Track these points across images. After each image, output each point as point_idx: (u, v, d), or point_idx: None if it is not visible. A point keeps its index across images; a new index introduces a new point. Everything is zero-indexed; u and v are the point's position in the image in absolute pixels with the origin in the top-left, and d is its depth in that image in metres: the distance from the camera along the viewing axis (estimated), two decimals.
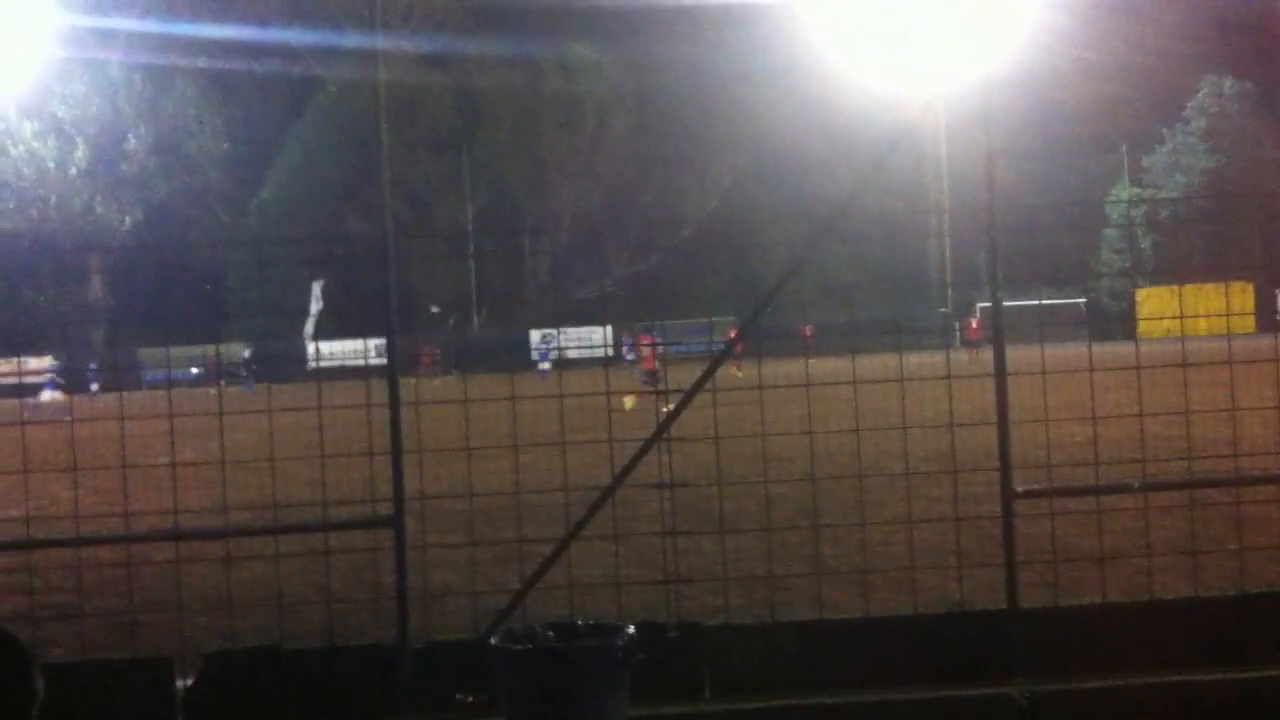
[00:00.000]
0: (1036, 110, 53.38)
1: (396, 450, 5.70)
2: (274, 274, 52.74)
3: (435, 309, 57.63)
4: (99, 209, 60.96)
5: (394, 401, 5.70)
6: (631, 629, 4.84)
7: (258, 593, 7.20)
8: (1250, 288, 49.29)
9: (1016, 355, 5.94)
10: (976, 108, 6.10)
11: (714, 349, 7.18)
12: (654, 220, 63.85)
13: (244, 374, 47.72)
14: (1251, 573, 6.25)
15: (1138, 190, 62.46)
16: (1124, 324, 47.44)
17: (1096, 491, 6.13)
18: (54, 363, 36.50)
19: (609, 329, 60.12)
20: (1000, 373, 5.74)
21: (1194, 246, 56.47)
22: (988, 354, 5.93)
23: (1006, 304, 6.00)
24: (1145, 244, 61.27)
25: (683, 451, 6.32)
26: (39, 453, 6.55)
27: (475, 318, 64.44)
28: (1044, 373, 6.02)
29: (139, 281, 56.97)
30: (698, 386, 5.94)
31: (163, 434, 5.97)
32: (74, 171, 60.52)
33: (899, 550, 7.01)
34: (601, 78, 65.98)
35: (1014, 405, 5.77)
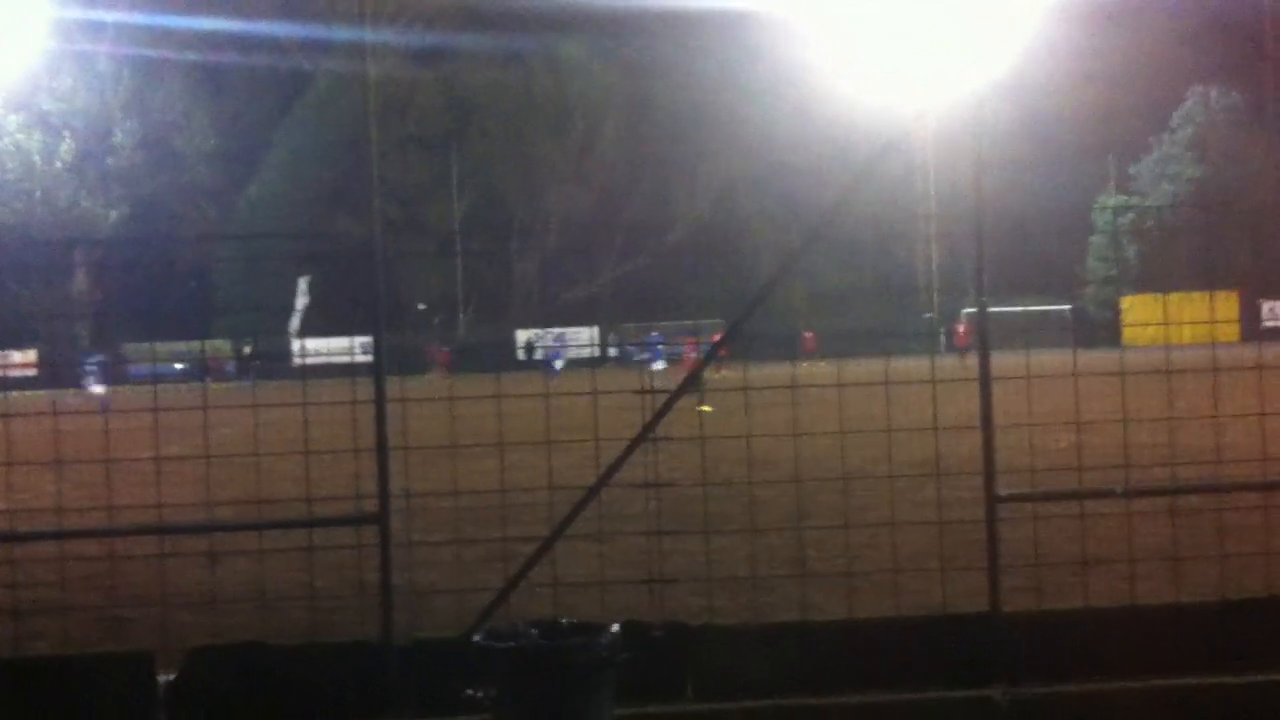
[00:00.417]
0: (1025, 119, 53.59)
1: (382, 447, 5.70)
2: (261, 269, 52.72)
3: (421, 306, 57.59)
4: (85, 203, 60.76)
5: (379, 398, 5.69)
6: (616, 627, 4.85)
7: (242, 589, 7.18)
8: (1235, 297, 49.59)
9: (1004, 362, 5.97)
10: (966, 116, 6.12)
11: (700, 352, 7.20)
12: (643, 223, 63.92)
13: (246, 368, 47.85)
14: (1234, 579, 6.29)
15: (1124, 199, 62.71)
16: (1109, 331, 47.65)
17: (1079, 496, 6.16)
18: (92, 354, 36.73)
19: (595, 330, 60.18)
20: (985, 377, 5.76)
21: (1180, 255, 56.73)
22: (975, 360, 5.96)
23: (993, 310, 6.02)
24: (1131, 253, 61.52)
25: (669, 452, 6.33)
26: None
27: (461, 316, 64.33)
28: (1029, 378, 6.05)
29: (125, 276, 56.77)
30: (682, 389, 5.96)
31: (147, 429, 5.96)
32: (60, 165, 60.29)
33: (883, 553, 7.03)
34: (593, 80, 66.03)
35: (999, 411, 5.80)
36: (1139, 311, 50.02)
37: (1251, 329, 46.68)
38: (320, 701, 5.71)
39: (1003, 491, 5.77)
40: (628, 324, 60.03)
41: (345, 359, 8.81)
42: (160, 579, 6.24)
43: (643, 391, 6.01)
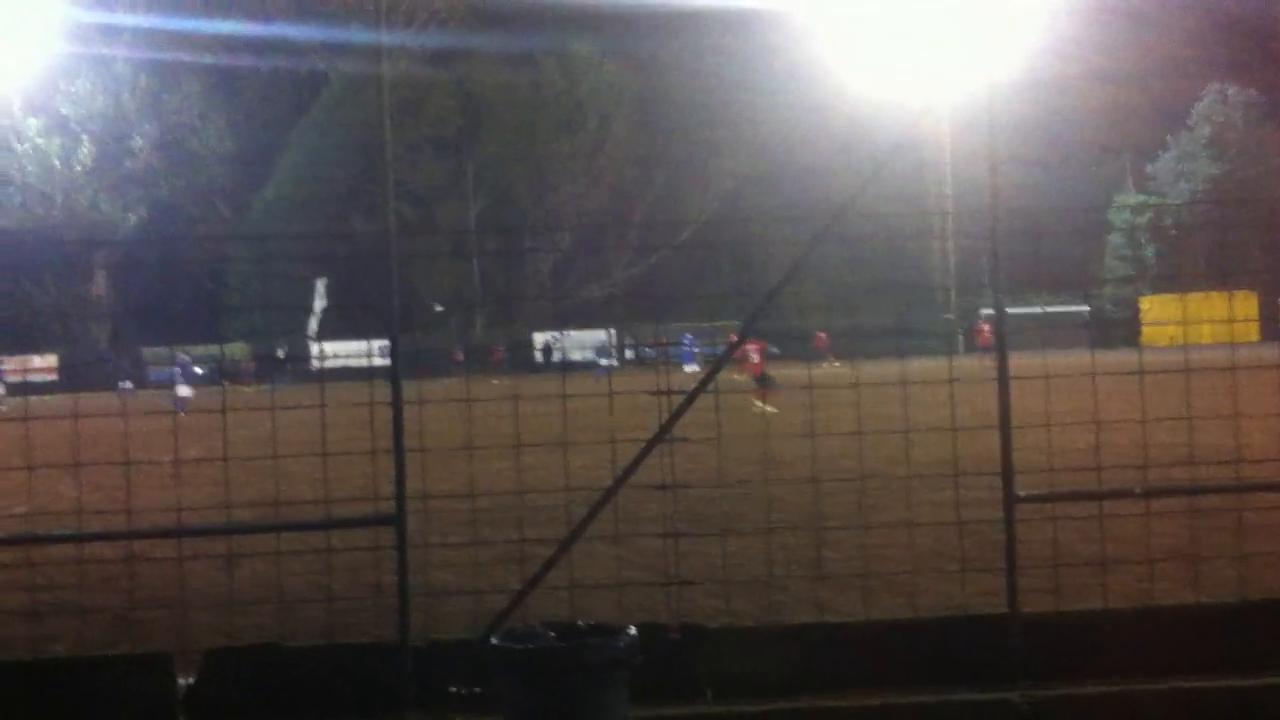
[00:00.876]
0: (1042, 117, 53.40)
1: (399, 448, 5.71)
2: (277, 271, 52.92)
3: (438, 308, 57.71)
4: (103, 206, 61.03)
5: (396, 399, 5.70)
6: (633, 629, 4.84)
7: (259, 590, 7.21)
8: (1254, 297, 49.26)
9: (1024, 363, 5.94)
10: (981, 114, 6.10)
11: (717, 352, 7.19)
12: (656, 221, 63.87)
13: (264, 371, 48.23)
14: (1252, 580, 6.25)
15: (1142, 197, 62.41)
16: (1128, 331, 47.41)
17: (1098, 497, 6.13)
18: (183, 356, 37.18)
19: (613, 332, 60.17)
20: (1003, 377, 5.74)
21: (1198, 254, 56.41)
22: (994, 360, 5.93)
23: (1012, 311, 6.00)
24: (1149, 252, 61.23)
25: (686, 453, 6.32)
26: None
27: (478, 319, 64.44)
28: (1047, 377, 6.02)
29: (143, 279, 57.04)
30: (699, 389, 5.95)
31: (166, 432, 5.98)
32: (79, 168, 60.60)
33: (899, 554, 7.01)
34: (604, 79, 66.04)
35: (1018, 411, 5.77)
36: (1158, 312, 49.79)
37: (1271, 328, 46.36)
38: (337, 702, 5.72)
39: (1021, 492, 5.75)
40: (647, 324, 60.11)
41: (363, 363, 8.83)
42: (178, 581, 6.26)
43: (659, 393, 6.00)
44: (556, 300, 63.22)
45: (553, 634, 4.93)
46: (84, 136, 60.65)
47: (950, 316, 48.58)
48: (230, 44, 60.65)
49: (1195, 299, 12.94)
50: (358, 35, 58.00)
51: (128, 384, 38.97)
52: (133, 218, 61.62)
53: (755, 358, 25.78)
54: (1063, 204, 50.61)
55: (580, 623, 5.02)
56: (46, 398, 28.35)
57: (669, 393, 5.94)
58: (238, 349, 54.67)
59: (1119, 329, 51.13)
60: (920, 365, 7.30)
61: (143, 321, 55.78)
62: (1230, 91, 63.92)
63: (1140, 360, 6.11)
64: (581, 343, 56.45)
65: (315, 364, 47.51)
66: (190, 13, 58.56)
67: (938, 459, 6.59)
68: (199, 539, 7.12)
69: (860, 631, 5.87)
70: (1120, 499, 6.04)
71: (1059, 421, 6.59)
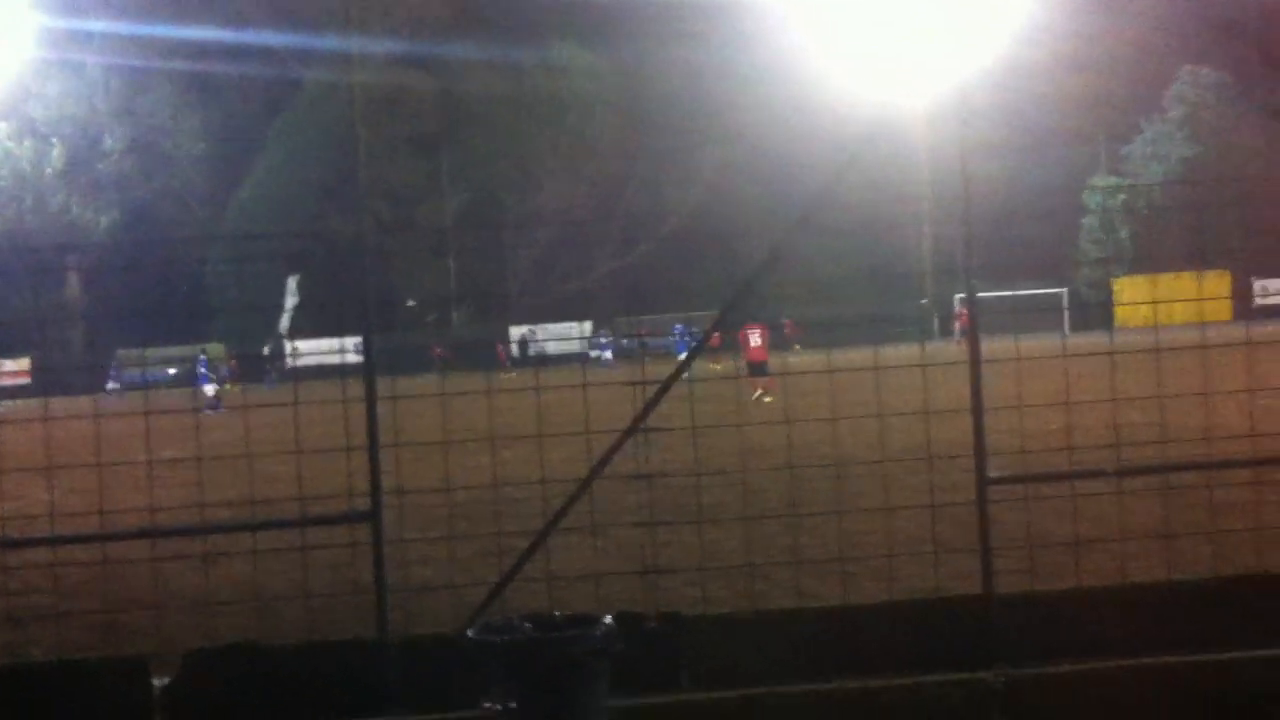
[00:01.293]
0: (1015, 103, 53.57)
1: (373, 444, 5.70)
2: (252, 271, 52.65)
3: (411, 303, 57.57)
4: (76, 209, 60.62)
5: (370, 395, 5.69)
6: (610, 619, 4.85)
7: (237, 590, 7.18)
8: (1228, 276, 49.62)
9: (1000, 346, 5.97)
10: (954, 101, 6.12)
11: (692, 343, 7.19)
12: (636, 215, 63.87)
13: (238, 372, 48.13)
14: (1225, 556, 6.31)
15: (1116, 180, 62.68)
16: (1103, 313, 47.67)
17: (1070, 477, 6.17)
18: (202, 356, 37.16)
19: (588, 324, 60.13)
20: (974, 360, 5.77)
21: (1172, 235, 56.76)
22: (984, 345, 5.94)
23: (986, 295, 6.03)
24: (1124, 234, 61.54)
25: (662, 444, 6.33)
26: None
27: (454, 315, 64.29)
28: (1018, 360, 6.06)
29: (116, 281, 56.65)
30: (673, 378, 5.96)
31: (140, 434, 5.95)
32: (50, 172, 60.15)
33: (877, 539, 7.04)
34: (583, 74, 65.90)
35: (992, 394, 5.80)
36: (1131, 293, 50.08)
37: (1244, 307, 46.72)
38: (317, 701, 5.70)
39: (994, 474, 5.78)
40: (626, 317, 60.06)
41: (336, 360, 8.80)
42: (154, 583, 6.24)
43: (633, 383, 6.00)
44: (539, 296, 63.15)
45: (530, 626, 4.93)
46: (55, 140, 60.19)
47: (925, 302, 48.75)
48: (202, 45, 60.27)
49: (1168, 280, 13.05)
50: (331, 36, 57.72)
51: (114, 384, 38.79)
52: (105, 221, 61.22)
53: (756, 340, 24.44)
54: (1037, 189, 50.86)
55: (557, 614, 5.03)
56: (30, 401, 28.14)
57: (643, 383, 5.94)
58: (214, 349, 54.39)
59: (1094, 311, 51.39)
60: (897, 351, 7.33)
61: (116, 324, 55.39)
62: (1203, 74, 64.26)
63: (1111, 341, 6.15)
64: (561, 335, 56.42)
65: (289, 361, 47.41)
66: (161, 15, 58.13)
67: (915, 444, 6.62)
68: (176, 540, 7.09)
69: (838, 616, 5.89)
70: (1093, 478, 6.08)
71: (1033, 404, 6.60)
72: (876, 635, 5.76)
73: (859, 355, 6.82)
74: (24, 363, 53.77)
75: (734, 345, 22.72)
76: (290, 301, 53.89)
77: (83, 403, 6.49)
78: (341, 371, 6.40)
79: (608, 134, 66.26)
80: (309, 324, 52.13)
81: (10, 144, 59.39)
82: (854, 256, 53.59)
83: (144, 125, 63.06)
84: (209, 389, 30.93)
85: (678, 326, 47.18)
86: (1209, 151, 61.47)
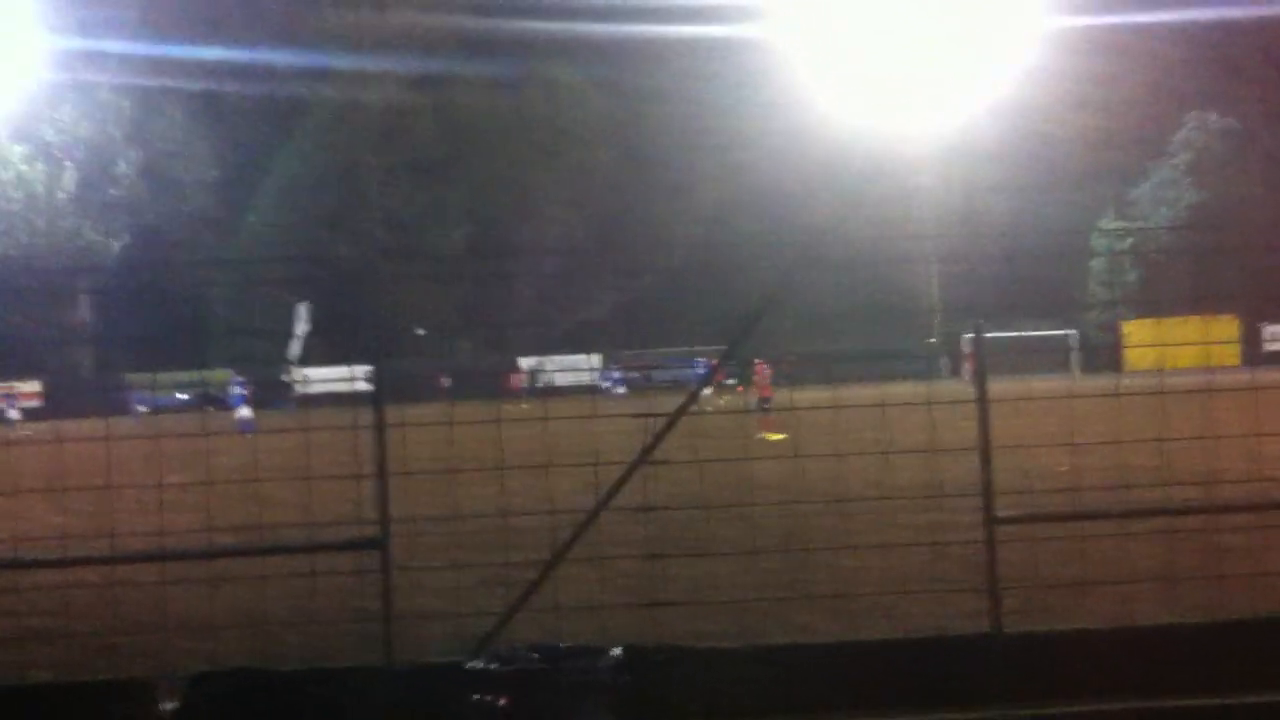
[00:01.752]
0: (1023, 144, 53.78)
1: (382, 472, 5.73)
2: (260, 297, 52.82)
3: (420, 331, 57.73)
4: (87, 233, 60.89)
5: (379, 423, 5.73)
6: (618, 651, 4.87)
7: (243, 615, 7.20)
8: (1236, 321, 49.59)
9: (1008, 387, 5.99)
10: (963, 141, 6.19)
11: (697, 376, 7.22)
12: (640, 247, 64.03)
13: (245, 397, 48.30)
14: (1228, 600, 6.31)
15: (1123, 224, 62.78)
16: (1111, 355, 47.64)
17: (1076, 517, 6.18)
18: (238, 378, 37.46)
19: (597, 357, 60.21)
20: (982, 399, 5.80)
21: (1180, 279, 56.78)
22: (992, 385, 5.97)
23: (995, 335, 6.06)
24: (1132, 277, 61.57)
25: (667, 477, 6.36)
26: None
27: (461, 344, 64.40)
28: (1027, 399, 6.08)
29: (127, 306, 56.84)
30: (679, 413, 5.99)
31: (150, 457, 5.99)
32: (62, 195, 60.47)
33: (879, 576, 7.05)
34: (588, 105, 66.27)
35: (1000, 434, 5.83)
36: (1140, 336, 50.06)
37: (1253, 353, 46.70)
38: None
39: (1001, 513, 5.80)
40: (633, 350, 60.18)
41: (345, 387, 8.84)
42: (160, 606, 6.25)
43: (642, 415, 6.03)
44: (546, 327, 63.28)
45: (536, 656, 4.95)
46: (68, 163, 60.57)
47: (933, 340, 48.74)
48: (214, 70, 60.74)
49: (1176, 324, 13.08)
50: (341, 62, 58.26)
51: (141, 407, 38.95)
52: (116, 244, 61.49)
53: (764, 378, 24.52)
54: (1045, 229, 50.89)
55: (563, 645, 5.05)
56: (40, 425, 28.20)
57: (651, 415, 5.98)
58: (222, 375, 54.51)
59: (1103, 353, 51.37)
60: (902, 389, 7.36)
61: (126, 347, 55.55)
62: (1210, 119, 64.46)
63: (1118, 384, 6.18)
64: (570, 366, 56.51)
65: (298, 389, 47.48)
66: (174, 40, 58.61)
67: (920, 482, 6.64)
68: (183, 564, 7.11)
69: (842, 652, 5.89)
70: (1098, 519, 6.09)
71: (1040, 444, 6.63)
72: (880, 672, 5.75)
73: (864, 393, 6.85)
74: (35, 385, 53.93)
75: (746, 380, 22.73)
76: (301, 328, 54.04)
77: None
78: (353, 399, 6.44)
79: (611, 165, 66.57)
80: (317, 350, 52.27)
81: (24, 167, 59.75)
82: (859, 293, 53.69)
83: (155, 149, 63.45)
84: (245, 411, 31.51)
85: (697, 361, 47.45)
86: (1215, 197, 61.56)
